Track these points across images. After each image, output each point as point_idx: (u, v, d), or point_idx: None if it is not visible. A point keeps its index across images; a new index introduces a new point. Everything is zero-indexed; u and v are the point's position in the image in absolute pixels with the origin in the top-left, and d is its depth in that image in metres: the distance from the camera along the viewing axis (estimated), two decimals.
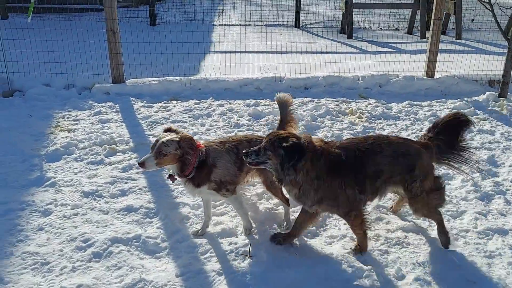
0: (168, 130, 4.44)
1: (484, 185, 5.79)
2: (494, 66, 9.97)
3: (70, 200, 5.18)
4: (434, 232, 4.81)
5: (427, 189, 4.40)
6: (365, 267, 4.25)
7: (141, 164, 4.16)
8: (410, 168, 4.32)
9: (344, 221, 4.56)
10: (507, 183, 5.86)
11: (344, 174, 4.19)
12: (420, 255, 4.47)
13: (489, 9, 8.62)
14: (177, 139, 4.24)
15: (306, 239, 4.68)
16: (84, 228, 4.68)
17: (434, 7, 9.45)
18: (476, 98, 8.87)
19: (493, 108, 8.42)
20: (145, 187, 5.52)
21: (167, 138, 4.23)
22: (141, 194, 5.38)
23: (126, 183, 5.60)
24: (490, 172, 6.13)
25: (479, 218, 5.10)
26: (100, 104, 8.09)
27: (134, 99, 8.44)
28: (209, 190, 4.47)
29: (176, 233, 4.69)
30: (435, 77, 9.73)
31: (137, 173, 5.84)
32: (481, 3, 8.97)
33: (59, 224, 4.75)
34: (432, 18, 9.49)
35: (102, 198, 5.26)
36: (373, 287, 4.04)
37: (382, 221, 5.02)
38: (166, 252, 4.43)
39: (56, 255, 4.28)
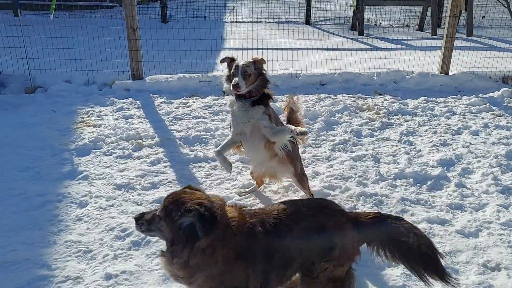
0: (231, 59, 4.91)
1: (504, 179, 5.97)
2: (507, 62, 10.15)
3: (104, 192, 5.38)
4: (458, 223, 5.01)
5: (333, 278, 3.43)
6: None
7: (236, 86, 4.63)
8: (329, 248, 3.36)
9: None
10: None
11: (252, 262, 3.21)
12: (446, 245, 4.66)
13: (505, 6, 8.80)
14: (252, 60, 4.78)
15: None
16: (121, 219, 4.89)
17: (450, 4, 9.64)
18: (491, 94, 9.05)
19: (509, 104, 8.60)
20: (175, 180, 5.73)
21: (243, 61, 4.74)
22: (171, 186, 5.58)
23: (155, 176, 5.80)
24: (509, 167, 6.31)
25: (501, 210, 5.28)
26: (122, 101, 8.30)
27: (154, 95, 8.64)
28: (263, 115, 4.80)
29: None
30: (449, 73, 9.91)
31: (165, 167, 6.05)
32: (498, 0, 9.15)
33: (96, 214, 4.96)
34: (448, 15, 9.67)
35: (135, 191, 5.46)
36: (403, 275, 4.23)
37: (407, 213, 5.20)
38: None
39: (97, 243, 4.50)
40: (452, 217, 5.16)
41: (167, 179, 5.74)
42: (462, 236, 4.83)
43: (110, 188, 5.48)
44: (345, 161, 6.37)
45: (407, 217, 5.08)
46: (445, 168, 6.20)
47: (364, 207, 5.26)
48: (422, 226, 4.93)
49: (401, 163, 6.32)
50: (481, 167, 6.28)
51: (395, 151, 6.72)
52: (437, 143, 7.00)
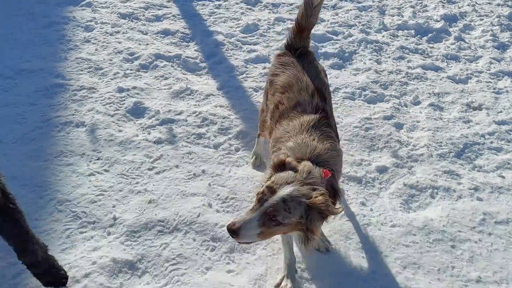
0: (281, 164, 2.74)
1: (502, 37, 6.42)
2: None
3: (109, 20, 5.78)
4: (451, 71, 5.55)
5: None
6: (386, 93, 5.02)
7: (233, 232, 2.58)
8: None
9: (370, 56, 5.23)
10: None
11: None
12: (436, 87, 5.24)
13: None
14: (305, 200, 2.58)
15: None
16: (127, 44, 5.34)
17: None
18: None
19: None
20: (178, 15, 6.09)
21: (289, 190, 2.58)
22: (175, 20, 5.96)
23: (159, 9, 6.16)
24: (509, 27, 6.72)
25: (493, 63, 5.81)
26: None
27: None
28: None
29: (214, 56, 5.36)
30: None
31: (168, 1, 6.37)
32: None
33: (104, 38, 5.40)
34: None
35: (139, 21, 5.86)
36: (391, 109, 4.81)
37: (404, 59, 5.70)
38: (206, 70, 5.14)
39: (107, 63, 4.99)
40: (446, 65, 5.68)
41: (171, 13, 6.09)
42: (452, 81, 5.40)
43: (115, 16, 5.87)
44: (350, 10, 6.71)
45: (403, 64, 5.61)
46: (447, 23, 6.59)
47: (364, 52, 5.73)
48: (416, 71, 5.47)
49: (405, 16, 6.69)
50: (482, 25, 6.68)
51: (401, 4, 7.04)
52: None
